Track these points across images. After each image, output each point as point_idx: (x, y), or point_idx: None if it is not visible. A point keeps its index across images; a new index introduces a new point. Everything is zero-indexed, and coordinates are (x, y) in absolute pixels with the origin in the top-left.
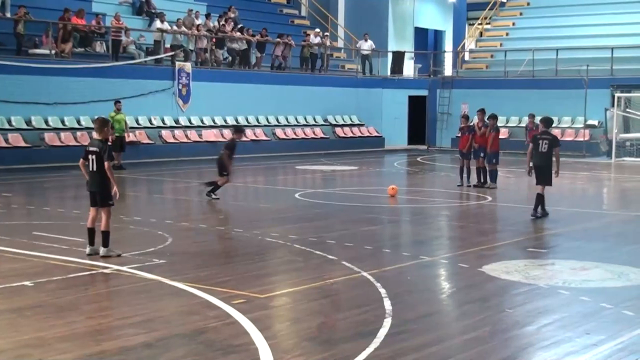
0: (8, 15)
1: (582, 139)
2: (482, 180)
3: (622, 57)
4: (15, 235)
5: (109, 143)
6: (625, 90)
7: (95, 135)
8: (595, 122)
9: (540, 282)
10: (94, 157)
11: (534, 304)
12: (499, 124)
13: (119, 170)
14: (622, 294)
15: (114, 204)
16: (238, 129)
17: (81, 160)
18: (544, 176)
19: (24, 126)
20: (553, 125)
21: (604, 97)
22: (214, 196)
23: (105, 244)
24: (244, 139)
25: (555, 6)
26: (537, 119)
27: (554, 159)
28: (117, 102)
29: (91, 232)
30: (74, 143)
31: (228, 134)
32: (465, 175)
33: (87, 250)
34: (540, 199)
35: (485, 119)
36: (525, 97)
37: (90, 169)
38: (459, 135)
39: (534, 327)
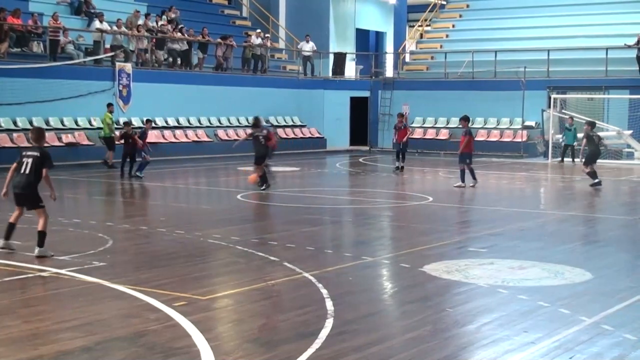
0: None
1: (520, 140)
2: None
3: (558, 59)
4: None
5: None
6: (561, 91)
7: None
8: (533, 123)
9: (480, 281)
10: (30, 160)
11: (473, 303)
12: (439, 125)
13: (112, 168)
14: (558, 292)
15: (44, 205)
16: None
17: (15, 164)
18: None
19: None
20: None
21: (540, 98)
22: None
23: (41, 244)
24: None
25: (493, 9)
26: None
27: None
28: (109, 104)
29: (11, 227)
30: (10, 145)
31: (169, 135)
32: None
33: (0, 243)
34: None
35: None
36: (465, 99)
37: (23, 171)
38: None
39: (474, 326)
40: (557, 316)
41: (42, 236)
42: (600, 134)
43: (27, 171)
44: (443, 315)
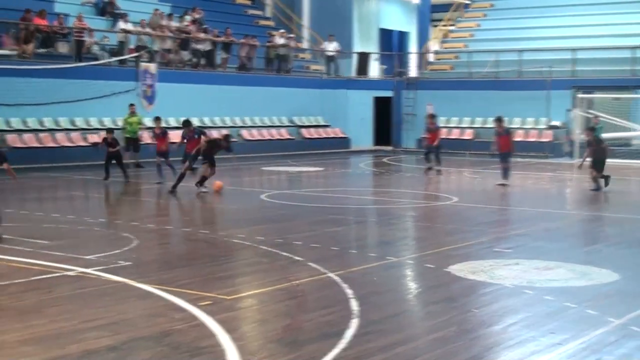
0: None
1: (545, 140)
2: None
3: (584, 58)
4: None
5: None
6: (586, 91)
7: None
8: (558, 123)
9: (505, 282)
10: None
11: (499, 303)
12: (464, 125)
13: (136, 168)
14: (585, 293)
15: None
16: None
17: None
18: None
19: None
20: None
21: (566, 98)
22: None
23: None
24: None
25: (518, 8)
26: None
27: None
28: (131, 104)
29: None
30: (36, 145)
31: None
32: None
33: None
34: None
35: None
36: (490, 98)
37: None
38: (496, 138)
39: (500, 327)
40: (584, 317)
41: None
42: (627, 134)
43: None
44: (468, 316)
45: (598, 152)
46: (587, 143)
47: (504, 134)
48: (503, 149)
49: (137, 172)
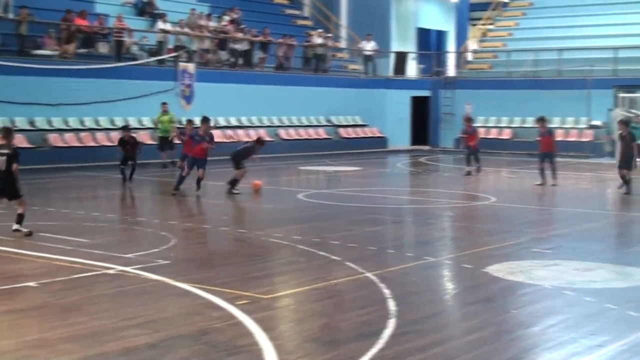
0: (11, 16)
1: (585, 140)
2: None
3: (626, 57)
4: (19, 237)
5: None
6: (628, 90)
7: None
8: (599, 123)
9: (544, 282)
10: (4, 159)
11: (538, 304)
12: (502, 125)
13: (171, 166)
14: (626, 294)
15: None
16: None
17: None
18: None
19: (27, 127)
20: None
21: (607, 97)
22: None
23: (19, 222)
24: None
25: (558, 6)
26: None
27: None
28: (163, 103)
29: (20, 215)
30: (77, 144)
31: (231, 134)
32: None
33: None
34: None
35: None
36: (528, 98)
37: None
38: (539, 138)
39: (539, 328)
40: (625, 319)
41: (20, 217)
42: None
43: (4, 168)
44: (507, 317)
45: (632, 148)
46: (620, 137)
47: (547, 134)
48: (545, 149)
49: (173, 171)
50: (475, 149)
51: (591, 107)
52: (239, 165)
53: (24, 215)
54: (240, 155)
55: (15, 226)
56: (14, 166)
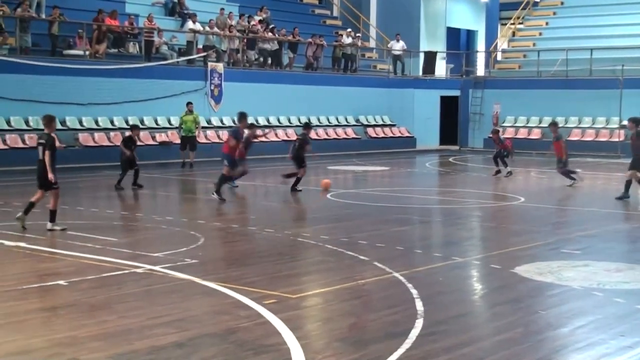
0: (43, 16)
1: (617, 140)
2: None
3: None
4: (50, 235)
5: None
6: None
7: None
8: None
9: (573, 283)
10: (40, 148)
11: (567, 305)
12: (531, 124)
13: (189, 167)
14: None
15: (59, 187)
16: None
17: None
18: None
19: (59, 126)
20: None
21: (638, 97)
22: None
23: (52, 219)
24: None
25: (589, 5)
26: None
27: None
28: (189, 103)
29: (31, 205)
30: (107, 143)
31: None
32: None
33: (18, 214)
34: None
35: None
36: (559, 98)
37: (38, 158)
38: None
39: (568, 329)
40: None
41: (53, 214)
42: None
43: (40, 157)
44: (535, 318)
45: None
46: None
47: (555, 139)
48: (556, 154)
49: (192, 171)
50: (506, 151)
51: (622, 106)
52: (302, 163)
53: (55, 211)
54: (299, 151)
55: (48, 225)
56: (46, 154)
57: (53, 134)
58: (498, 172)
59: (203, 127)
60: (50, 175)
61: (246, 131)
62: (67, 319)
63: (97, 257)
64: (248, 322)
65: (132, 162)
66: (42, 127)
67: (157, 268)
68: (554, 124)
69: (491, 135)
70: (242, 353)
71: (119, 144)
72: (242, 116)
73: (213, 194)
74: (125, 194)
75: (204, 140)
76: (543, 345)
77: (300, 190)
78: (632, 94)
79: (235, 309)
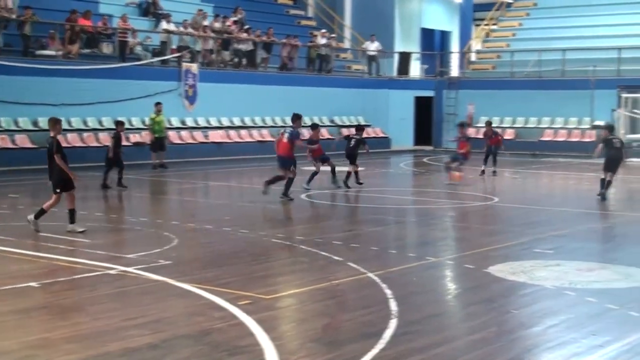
0: (14, 16)
1: (588, 140)
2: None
3: (629, 57)
4: (21, 237)
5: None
6: (631, 91)
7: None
8: (602, 123)
9: (546, 283)
10: (48, 153)
11: (539, 305)
12: (505, 125)
13: (160, 168)
14: (628, 294)
15: (61, 192)
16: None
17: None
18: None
19: (31, 127)
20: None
21: (610, 98)
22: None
23: (72, 220)
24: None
25: (562, 7)
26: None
27: None
28: (157, 103)
29: (71, 212)
30: (80, 144)
31: (234, 135)
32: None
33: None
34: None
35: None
36: (532, 98)
37: (48, 164)
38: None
39: (540, 328)
40: (627, 319)
41: (41, 212)
42: None
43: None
44: (508, 317)
45: (614, 152)
46: (604, 142)
47: (465, 139)
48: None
49: (162, 172)
50: (465, 157)
51: (594, 107)
52: (355, 160)
53: (75, 210)
54: (353, 149)
55: (69, 227)
56: (56, 157)
57: (59, 136)
58: (483, 172)
59: (177, 128)
60: (72, 175)
61: (304, 131)
62: (39, 320)
63: (70, 258)
64: (222, 323)
65: (118, 160)
66: (13, 127)
67: (130, 269)
68: (460, 125)
69: (458, 136)
70: (217, 354)
71: (91, 144)
72: (297, 117)
73: (281, 196)
74: (99, 195)
75: (177, 141)
76: (516, 345)
77: (362, 183)
78: (603, 95)
79: (210, 310)
